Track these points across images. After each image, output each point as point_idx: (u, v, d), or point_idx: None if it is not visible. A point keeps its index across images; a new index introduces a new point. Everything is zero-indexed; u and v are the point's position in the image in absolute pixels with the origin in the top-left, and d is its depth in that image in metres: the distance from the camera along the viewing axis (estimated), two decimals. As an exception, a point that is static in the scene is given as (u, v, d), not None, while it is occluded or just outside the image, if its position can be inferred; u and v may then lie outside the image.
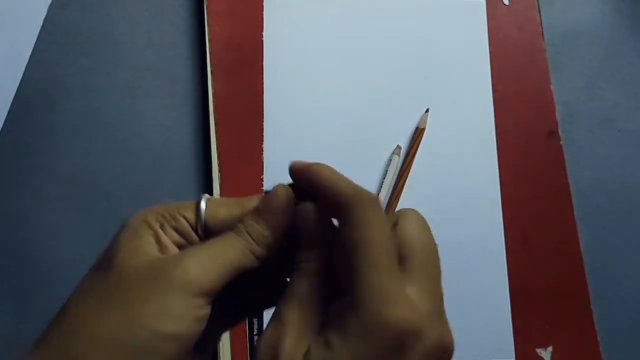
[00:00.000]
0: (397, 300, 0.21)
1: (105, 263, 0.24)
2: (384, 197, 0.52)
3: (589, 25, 0.63)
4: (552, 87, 0.58)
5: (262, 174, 0.51)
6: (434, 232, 0.51)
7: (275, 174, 0.52)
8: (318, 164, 0.25)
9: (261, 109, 0.53)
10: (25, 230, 0.49)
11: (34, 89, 0.52)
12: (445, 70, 0.57)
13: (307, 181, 0.25)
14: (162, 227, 0.25)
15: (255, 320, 0.49)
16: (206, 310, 0.23)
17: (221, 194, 0.50)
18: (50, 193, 0.50)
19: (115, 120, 0.52)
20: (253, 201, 0.26)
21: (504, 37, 0.58)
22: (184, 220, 0.25)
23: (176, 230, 0.25)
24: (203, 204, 0.25)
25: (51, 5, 0.54)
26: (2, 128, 0.50)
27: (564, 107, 0.59)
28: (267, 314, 0.50)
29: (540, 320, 0.52)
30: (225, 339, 0.47)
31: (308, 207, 0.25)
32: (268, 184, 0.51)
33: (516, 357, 0.51)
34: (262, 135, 0.52)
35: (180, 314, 0.22)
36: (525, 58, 0.58)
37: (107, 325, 0.22)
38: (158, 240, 0.25)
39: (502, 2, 0.60)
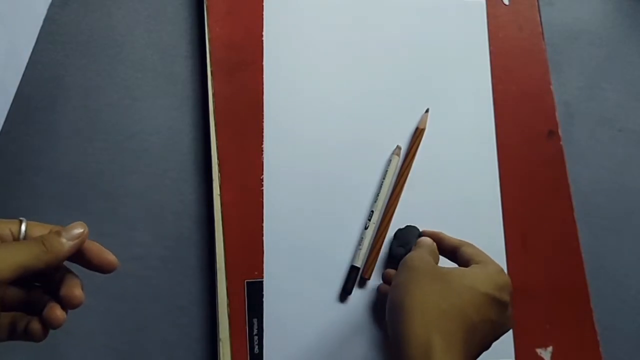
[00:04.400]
0: (499, 268, 0.43)
1: None
2: (384, 197, 0.52)
3: (589, 25, 0.63)
4: (552, 87, 0.58)
5: (262, 174, 0.52)
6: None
7: (275, 174, 0.52)
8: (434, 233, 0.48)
9: (261, 109, 0.53)
10: (25, 230, 0.49)
11: (34, 89, 0.52)
12: (445, 70, 0.57)
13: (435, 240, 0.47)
14: None
15: (255, 321, 0.49)
16: None
17: (221, 194, 0.50)
18: (50, 193, 0.50)
19: (115, 120, 0.52)
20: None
21: (504, 37, 0.58)
22: (8, 231, 0.33)
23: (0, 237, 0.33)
24: (24, 226, 0.34)
25: (51, 5, 0.54)
26: (2, 128, 0.50)
27: (564, 107, 0.59)
28: (267, 318, 0.50)
29: (540, 320, 0.52)
30: (225, 339, 0.48)
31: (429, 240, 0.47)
32: (268, 184, 0.51)
33: (516, 357, 0.51)
34: (262, 135, 0.52)
35: None
36: (525, 58, 0.58)
37: None
38: None
39: (502, 2, 0.60)
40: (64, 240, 0.33)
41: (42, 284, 0.35)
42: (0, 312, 0.32)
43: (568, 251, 0.54)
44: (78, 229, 0.34)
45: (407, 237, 0.51)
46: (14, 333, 0.34)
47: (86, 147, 0.52)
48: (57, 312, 0.33)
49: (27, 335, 0.33)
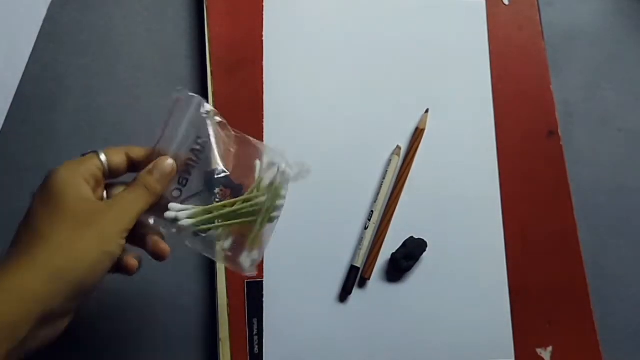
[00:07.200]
0: None
1: (55, 202, 0.35)
2: (384, 197, 0.52)
3: (589, 25, 0.63)
4: (552, 87, 0.58)
5: (262, 173, 0.51)
6: (434, 232, 0.51)
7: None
8: None
9: (261, 109, 0.53)
10: (25, 230, 0.49)
11: (34, 89, 0.52)
12: (445, 70, 0.57)
13: None
14: (84, 173, 0.37)
15: (255, 321, 0.49)
16: (124, 242, 0.36)
17: (221, 194, 0.50)
18: (50, 193, 0.50)
19: (115, 120, 0.52)
20: (137, 151, 0.39)
21: (504, 37, 0.58)
22: (95, 168, 0.37)
23: (92, 174, 0.37)
24: (103, 156, 0.38)
25: (51, 5, 0.54)
26: (2, 127, 0.50)
27: (564, 107, 0.59)
28: (267, 318, 0.50)
29: (540, 320, 0.52)
30: (225, 339, 0.48)
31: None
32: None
33: (516, 357, 0.51)
34: (262, 135, 0.52)
35: (116, 243, 0.35)
36: (525, 58, 0.58)
37: (80, 246, 0.34)
38: (88, 182, 0.36)
39: (502, 2, 0.60)
40: (157, 178, 0.38)
41: None
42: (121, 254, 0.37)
43: (568, 251, 0.54)
44: (167, 167, 0.38)
45: (414, 251, 0.51)
46: (116, 268, 0.38)
47: (86, 146, 0.51)
48: (161, 245, 0.38)
49: (124, 269, 0.38)
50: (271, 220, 0.40)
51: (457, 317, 0.51)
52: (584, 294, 0.53)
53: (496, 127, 0.56)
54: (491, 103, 0.57)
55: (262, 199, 0.39)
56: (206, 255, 0.39)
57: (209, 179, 0.39)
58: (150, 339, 0.48)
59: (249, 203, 0.39)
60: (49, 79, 0.52)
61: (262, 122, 0.52)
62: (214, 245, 0.39)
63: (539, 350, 0.52)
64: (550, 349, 0.52)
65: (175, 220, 0.38)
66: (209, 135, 0.39)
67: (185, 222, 0.38)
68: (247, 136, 0.41)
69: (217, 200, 0.39)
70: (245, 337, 0.48)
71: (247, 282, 0.49)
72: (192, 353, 0.48)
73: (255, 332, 0.48)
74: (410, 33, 0.57)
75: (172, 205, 0.38)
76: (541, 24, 0.60)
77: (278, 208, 0.40)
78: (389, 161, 0.53)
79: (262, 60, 0.54)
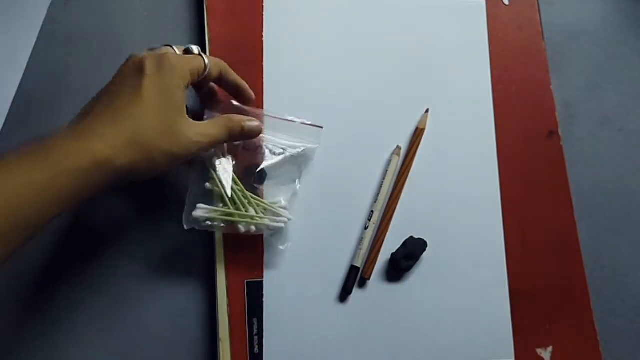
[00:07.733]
0: None
1: (159, 81, 0.40)
2: (384, 197, 0.52)
3: (589, 25, 0.63)
4: (552, 87, 0.58)
5: (262, 173, 0.51)
6: (434, 232, 0.51)
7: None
8: None
9: (261, 109, 0.53)
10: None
11: (34, 88, 0.52)
12: (445, 70, 0.57)
13: None
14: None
15: (255, 321, 0.49)
16: (178, 164, 0.41)
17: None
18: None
19: (116, 120, 0.52)
20: (233, 78, 0.48)
21: (504, 37, 0.58)
22: (197, 72, 0.43)
23: (193, 78, 0.43)
24: (208, 63, 0.44)
25: (52, 4, 0.54)
26: (3, 127, 0.50)
27: (564, 107, 0.59)
28: (267, 318, 0.50)
29: (540, 320, 0.52)
30: (225, 339, 0.48)
31: None
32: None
33: (516, 357, 0.51)
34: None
35: (175, 160, 0.41)
36: (525, 58, 0.58)
37: (157, 141, 0.39)
38: (187, 85, 0.42)
39: (502, 2, 0.60)
40: (241, 129, 0.45)
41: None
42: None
43: (568, 251, 0.54)
44: (255, 129, 0.47)
45: (415, 250, 0.51)
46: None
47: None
48: None
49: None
50: (243, 225, 0.47)
51: (457, 317, 0.51)
52: (584, 294, 0.54)
53: (496, 127, 0.56)
54: (491, 103, 0.57)
55: (265, 220, 0.48)
56: (189, 180, 0.47)
57: (254, 170, 0.48)
58: (151, 339, 0.48)
59: (255, 201, 0.48)
60: (50, 79, 0.52)
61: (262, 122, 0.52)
62: (197, 189, 0.47)
63: (539, 350, 0.52)
64: (550, 349, 0.52)
65: (210, 155, 0.47)
66: (294, 162, 0.50)
67: (214, 160, 0.47)
68: (298, 187, 0.50)
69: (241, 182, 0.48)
70: (245, 337, 0.48)
71: (247, 282, 0.49)
72: (192, 353, 0.48)
73: (255, 332, 0.48)
74: (411, 33, 0.57)
75: (221, 146, 0.47)
76: (541, 24, 0.60)
77: (259, 227, 0.48)
78: (389, 161, 0.53)
79: (262, 60, 0.54)
